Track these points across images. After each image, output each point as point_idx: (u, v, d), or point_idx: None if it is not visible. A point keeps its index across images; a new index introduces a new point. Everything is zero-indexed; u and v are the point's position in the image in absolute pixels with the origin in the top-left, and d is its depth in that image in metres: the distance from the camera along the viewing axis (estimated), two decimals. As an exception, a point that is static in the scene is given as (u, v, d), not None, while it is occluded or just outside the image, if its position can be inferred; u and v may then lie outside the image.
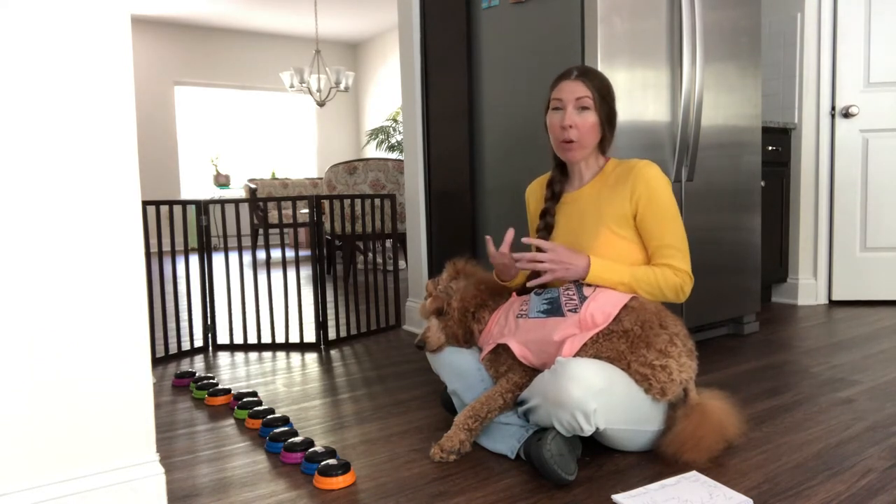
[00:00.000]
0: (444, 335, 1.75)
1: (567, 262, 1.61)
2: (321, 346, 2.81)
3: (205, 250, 2.75)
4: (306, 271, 5.54)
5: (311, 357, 2.65)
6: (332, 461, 1.46)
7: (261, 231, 7.50)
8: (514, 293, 1.78)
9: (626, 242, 1.70)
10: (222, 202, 2.77)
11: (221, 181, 8.18)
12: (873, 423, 1.73)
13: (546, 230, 1.79)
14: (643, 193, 1.67)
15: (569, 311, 1.57)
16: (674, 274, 1.66)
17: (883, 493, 1.33)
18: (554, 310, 1.60)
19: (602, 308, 1.55)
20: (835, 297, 3.48)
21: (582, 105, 1.69)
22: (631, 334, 1.50)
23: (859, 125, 3.37)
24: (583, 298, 1.59)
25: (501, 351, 1.66)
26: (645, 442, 1.54)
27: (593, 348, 1.51)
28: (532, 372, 1.61)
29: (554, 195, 1.82)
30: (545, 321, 1.59)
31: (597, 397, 1.39)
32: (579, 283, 1.65)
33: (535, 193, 1.94)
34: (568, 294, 1.62)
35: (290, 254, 7.40)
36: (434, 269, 2.99)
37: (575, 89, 1.69)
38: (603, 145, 1.76)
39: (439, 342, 1.75)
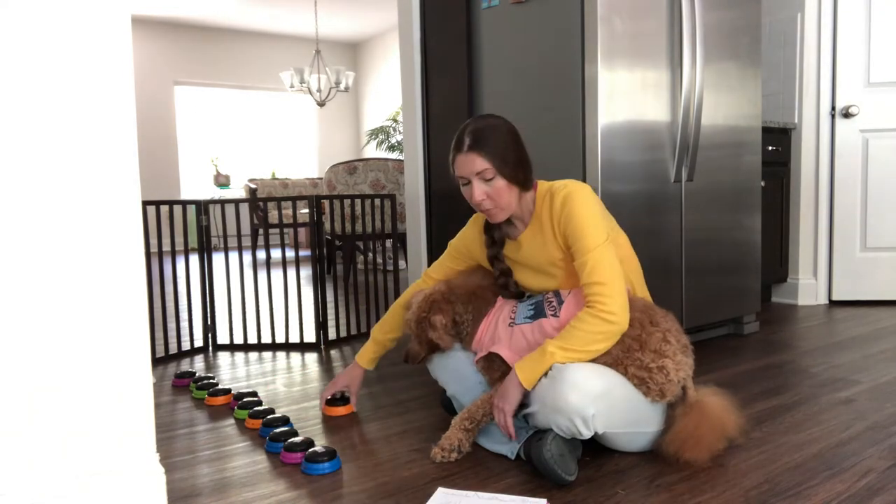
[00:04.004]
0: (423, 347, 1.74)
1: (500, 398, 1.50)
2: (321, 346, 2.80)
3: (205, 250, 2.75)
4: (306, 271, 5.54)
5: (311, 357, 2.65)
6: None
7: (261, 231, 7.50)
8: (499, 297, 1.76)
9: None
10: (222, 202, 2.77)
11: (221, 181, 8.19)
12: (873, 423, 1.73)
13: (505, 275, 1.74)
14: (563, 232, 1.62)
15: (551, 315, 1.58)
16: (601, 321, 1.46)
17: (883, 493, 1.33)
18: (538, 314, 1.61)
19: (580, 310, 1.54)
20: (835, 297, 3.48)
21: (484, 178, 1.61)
22: (623, 336, 1.50)
23: (859, 125, 3.37)
24: (560, 302, 1.60)
25: (494, 358, 1.67)
26: (645, 443, 1.54)
27: None
28: None
29: (495, 242, 1.75)
30: (532, 326, 1.60)
31: (595, 402, 1.40)
32: (557, 289, 1.65)
33: (475, 240, 1.82)
34: (548, 299, 1.63)
35: (290, 254, 7.40)
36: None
37: (472, 164, 1.60)
38: (525, 189, 1.66)
39: (421, 353, 1.75)
